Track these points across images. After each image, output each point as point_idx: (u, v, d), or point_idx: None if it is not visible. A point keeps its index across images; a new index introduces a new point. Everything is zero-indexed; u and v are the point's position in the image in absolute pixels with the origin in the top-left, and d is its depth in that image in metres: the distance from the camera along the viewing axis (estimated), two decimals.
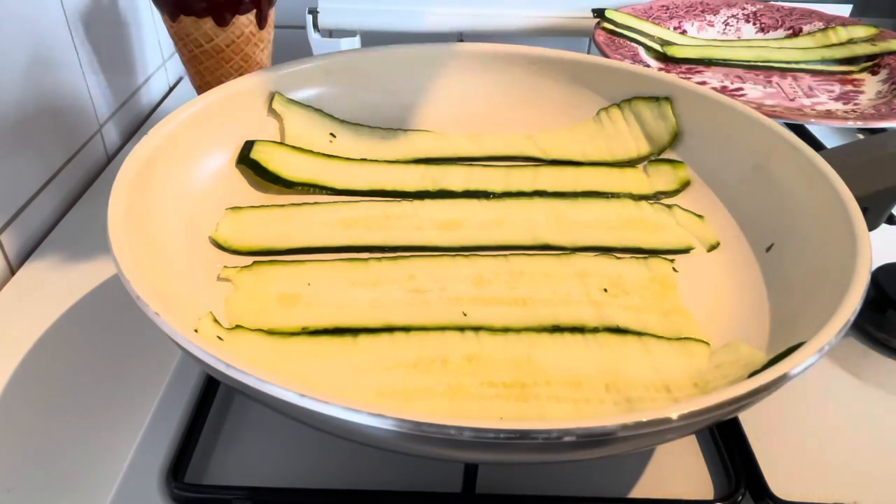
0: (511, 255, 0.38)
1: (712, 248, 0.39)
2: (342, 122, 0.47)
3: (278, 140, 0.44)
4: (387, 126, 0.48)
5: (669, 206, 0.42)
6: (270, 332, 0.33)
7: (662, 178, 0.44)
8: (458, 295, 0.36)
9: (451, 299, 0.36)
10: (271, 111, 0.44)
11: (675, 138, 0.45)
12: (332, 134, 0.46)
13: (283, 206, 0.41)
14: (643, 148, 0.46)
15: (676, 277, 0.37)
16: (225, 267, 0.36)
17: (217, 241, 0.38)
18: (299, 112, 0.45)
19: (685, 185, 0.43)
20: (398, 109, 0.49)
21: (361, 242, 0.39)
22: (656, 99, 0.46)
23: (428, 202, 0.42)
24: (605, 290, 0.36)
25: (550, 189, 0.43)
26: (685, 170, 0.44)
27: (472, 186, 0.43)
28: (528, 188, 0.43)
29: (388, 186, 0.43)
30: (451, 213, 0.41)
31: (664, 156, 0.45)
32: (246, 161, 0.41)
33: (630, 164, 0.46)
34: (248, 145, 0.42)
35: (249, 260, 0.37)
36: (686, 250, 0.39)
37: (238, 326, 0.33)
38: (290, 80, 0.45)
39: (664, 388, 0.31)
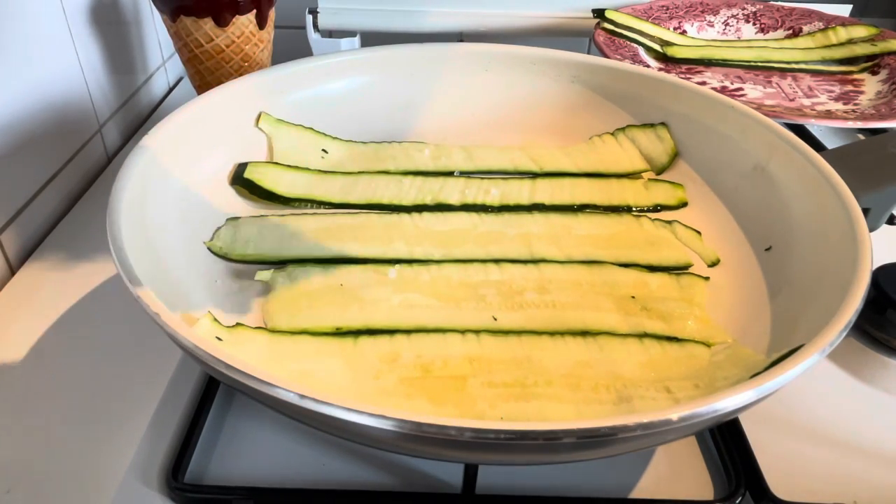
0: (541, 263, 0.38)
1: (713, 264, 0.39)
2: (334, 138, 0.47)
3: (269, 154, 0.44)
4: (382, 135, 0.48)
5: (670, 222, 0.41)
6: (271, 331, 0.33)
7: (661, 192, 0.44)
8: (489, 300, 0.36)
9: (482, 305, 0.36)
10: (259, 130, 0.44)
11: (674, 159, 0.45)
12: (324, 150, 0.46)
13: (282, 215, 0.41)
14: (639, 165, 0.46)
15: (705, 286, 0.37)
16: (259, 269, 0.37)
17: (212, 250, 0.38)
18: (288, 131, 0.45)
19: (683, 204, 0.43)
20: (397, 111, 0.49)
21: (358, 255, 0.39)
22: (652, 125, 0.46)
23: (426, 215, 0.42)
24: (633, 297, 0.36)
25: (548, 202, 0.43)
26: (684, 190, 0.44)
27: (470, 200, 0.43)
28: (525, 201, 0.43)
29: (385, 200, 0.43)
30: (448, 227, 0.41)
31: (665, 177, 0.45)
32: (240, 181, 0.41)
33: (628, 176, 0.46)
34: (242, 167, 0.42)
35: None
36: (685, 267, 0.39)
37: (238, 325, 0.33)
38: (290, 81, 0.45)
39: (664, 389, 0.31)
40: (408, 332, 0.33)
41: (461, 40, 0.72)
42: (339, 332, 0.34)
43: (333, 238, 0.40)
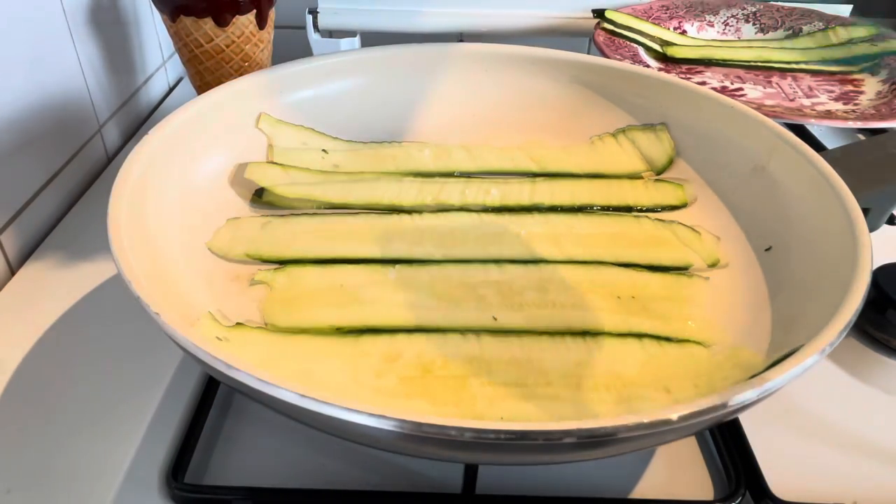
0: (541, 263, 0.38)
1: (713, 264, 0.39)
2: (334, 138, 0.46)
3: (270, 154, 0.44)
4: (383, 135, 0.48)
5: (670, 222, 0.41)
6: (271, 331, 0.33)
7: (662, 192, 0.44)
8: (489, 300, 0.36)
9: (482, 305, 0.36)
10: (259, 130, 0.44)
11: (674, 160, 0.45)
12: (324, 150, 0.46)
13: (282, 215, 0.41)
14: (639, 166, 0.46)
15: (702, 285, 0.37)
16: (259, 269, 0.37)
17: (212, 250, 0.38)
18: (288, 131, 0.45)
19: (683, 204, 0.43)
20: (397, 111, 0.49)
21: (358, 255, 0.39)
22: (651, 126, 0.46)
23: (426, 215, 0.42)
24: (633, 297, 0.36)
25: (548, 203, 0.43)
26: (684, 190, 0.44)
27: (470, 201, 0.43)
28: (526, 202, 0.43)
29: (385, 200, 0.43)
30: (448, 227, 0.41)
31: (665, 176, 0.45)
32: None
33: (628, 177, 0.45)
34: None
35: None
36: (685, 267, 0.39)
37: (239, 324, 0.33)
38: (290, 81, 0.45)
39: (664, 389, 0.31)
40: (408, 331, 0.33)
41: (461, 40, 0.72)
42: (339, 332, 0.34)
43: (333, 238, 0.40)
